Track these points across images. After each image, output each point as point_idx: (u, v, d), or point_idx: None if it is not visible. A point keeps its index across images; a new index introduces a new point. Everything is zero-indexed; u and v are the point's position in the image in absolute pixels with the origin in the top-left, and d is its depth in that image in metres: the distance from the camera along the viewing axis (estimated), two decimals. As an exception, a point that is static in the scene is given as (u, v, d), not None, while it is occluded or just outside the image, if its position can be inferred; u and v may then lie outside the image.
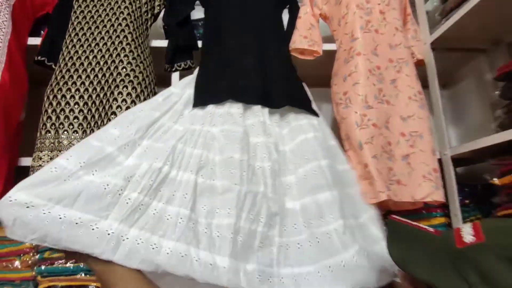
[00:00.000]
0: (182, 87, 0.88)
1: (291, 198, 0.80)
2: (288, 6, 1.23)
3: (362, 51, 1.04)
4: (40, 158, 0.85)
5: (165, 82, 1.10)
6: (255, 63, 0.97)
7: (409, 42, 1.13)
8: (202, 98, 0.87)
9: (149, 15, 1.08)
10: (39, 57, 1.04)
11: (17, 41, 1.02)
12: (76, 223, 0.58)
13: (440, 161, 1.03)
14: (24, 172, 1.00)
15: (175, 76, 1.09)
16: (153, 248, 0.61)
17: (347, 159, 0.95)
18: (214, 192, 0.72)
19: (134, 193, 0.64)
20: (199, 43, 1.11)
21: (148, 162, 0.68)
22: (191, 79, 0.93)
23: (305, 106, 0.97)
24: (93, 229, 0.59)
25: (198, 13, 1.24)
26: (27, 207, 0.56)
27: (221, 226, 0.67)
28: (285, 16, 1.22)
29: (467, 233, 0.48)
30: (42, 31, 1.12)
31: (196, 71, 0.97)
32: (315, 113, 0.98)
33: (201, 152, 0.75)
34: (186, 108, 0.84)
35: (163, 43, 1.12)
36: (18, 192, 0.57)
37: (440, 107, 1.08)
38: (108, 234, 0.59)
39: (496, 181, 0.89)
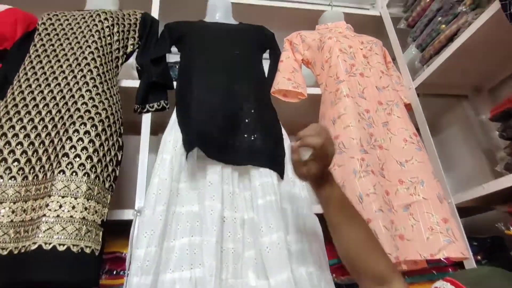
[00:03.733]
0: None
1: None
2: (268, 50, 1.20)
3: (350, 94, 0.99)
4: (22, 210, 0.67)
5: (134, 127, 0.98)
6: (222, 104, 0.90)
7: (395, 86, 1.10)
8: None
9: (121, 53, 0.99)
10: (-15, 93, 0.90)
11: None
12: None
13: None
14: None
15: (145, 118, 0.97)
16: None
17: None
18: None
19: None
20: (174, 84, 1.02)
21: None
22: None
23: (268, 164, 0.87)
24: None
25: (174, 56, 1.19)
26: None
27: None
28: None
29: None
30: (-4, 68, 1.00)
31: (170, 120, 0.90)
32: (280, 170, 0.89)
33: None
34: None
35: (135, 83, 1.02)
36: None
37: (435, 151, 1.01)
38: None
39: (512, 231, 0.78)
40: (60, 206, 0.66)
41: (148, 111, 0.98)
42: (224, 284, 0.72)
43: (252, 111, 0.91)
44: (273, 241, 0.75)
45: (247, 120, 0.89)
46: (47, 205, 0.66)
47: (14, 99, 0.80)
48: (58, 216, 0.65)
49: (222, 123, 0.86)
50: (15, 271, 0.61)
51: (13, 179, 0.70)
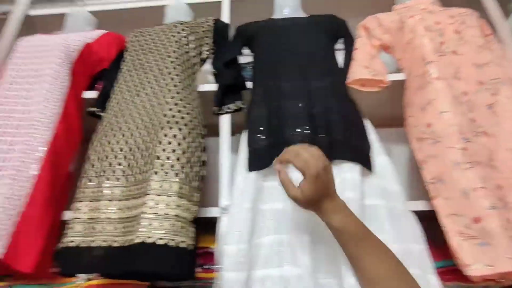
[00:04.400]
0: None
1: None
2: (341, 39, 1.13)
3: (440, 75, 0.87)
4: (79, 209, 0.78)
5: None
6: (306, 107, 0.87)
7: (500, 61, 0.93)
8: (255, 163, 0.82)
9: (198, 60, 1.05)
10: (91, 108, 1.04)
11: (74, 95, 1.04)
12: None
13: None
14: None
15: (224, 120, 1.01)
16: None
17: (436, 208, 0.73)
18: None
19: None
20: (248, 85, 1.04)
21: None
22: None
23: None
24: None
25: (246, 58, 1.21)
26: None
27: None
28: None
29: None
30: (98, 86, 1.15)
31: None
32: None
33: None
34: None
35: (212, 87, 1.07)
36: None
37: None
38: None
39: None
40: (157, 204, 0.73)
41: (226, 113, 1.01)
42: (319, 283, 0.69)
43: (332, 106, 0.87)
44: None
45: (328, 116, 0.86)
46: (144, 203, 0.73)
47: (112, 110, 0.91)
48: (155, 213, 0.72)
49: (304, 123, 0.84)
50: (124, 262, 0.68)
51: (118, 180, 0.79)
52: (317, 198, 0.57)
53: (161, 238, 0.68)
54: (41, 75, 1.00)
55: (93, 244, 0.74)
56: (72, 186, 1.01)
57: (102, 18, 1.30)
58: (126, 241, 0.71)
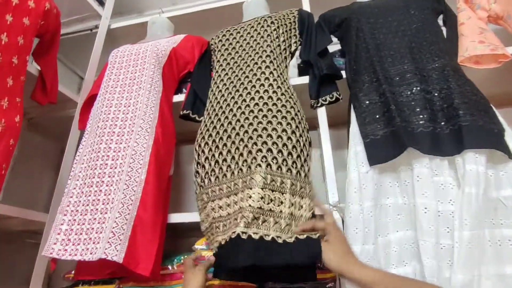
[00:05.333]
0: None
1: None
2: (441, 16, 1.02)
3: None
4: (220, 207, 0.78)
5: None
6: (421, 92, 0.79)
7: None
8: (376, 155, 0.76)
9: (287, 53, 1.01)
10: (184, 111, 1.04)
11: (166, 99, 1.06)
12: None
13: None
14: (172, 229, 0.95)
15: (321, 112, 0.96)
16: None
17: None
18: None
19: None
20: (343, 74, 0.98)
21: None
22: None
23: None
24: None
25: (333, 46, 1.15)
26: None
27: None
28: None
29: None
30: (184, 89, 1.16)
31: (352, 114, 0.85)
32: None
33: None
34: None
35: (302, 80, 1.02)
36: None
37: None
38: None
39: None
40: (271, 200, 0.69)
41: (322, 105, 0.96)
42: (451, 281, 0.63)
43: (450, 89, 0.78)
44: (463, 239, 0.64)
45: (448, 101, 0.77)
46: (250, 197, 0.70)
47: (215, 110, 0.89)
48: (270, 210, 0.69)
49: (423, 112, 0.76)
50: (261, 254, 0.64)
51: (217, 179, 0.77)
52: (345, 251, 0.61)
53: (278, 237, 0.66)
54: (137, 82, 1.03)
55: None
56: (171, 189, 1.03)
57: (178, 22, 1.32)
58: (257, 233, 0.67)
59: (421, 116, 0.76)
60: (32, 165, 1.25)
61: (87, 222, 0.85)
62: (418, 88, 0.80)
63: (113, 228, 0.80)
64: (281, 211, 0.70)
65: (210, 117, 0.91)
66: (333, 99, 0.95)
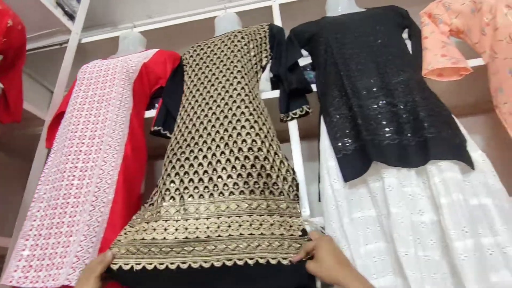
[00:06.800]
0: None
1: None
2: (406, 30, 1.06)
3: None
4: (166, 229, 0.73)
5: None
6: (388, 105, 0.81)
7: None
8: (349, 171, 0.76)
9: (258, 67, 1.02)
10: (155, 127, 1.03)
11: (137, 115, 1.04)
12: None
13: None
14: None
15: (292, 125, 0.96)
16: None
17: None
18: None
19: None
20: (313, 87, 0.99)
21: None
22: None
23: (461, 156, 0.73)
24: None
25: (304, 60, 1.17)
26: None
27: None
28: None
29: None
30: (156, 104, 1.15)
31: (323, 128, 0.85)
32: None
33: None
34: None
35: (273, 94, 1.03)
36: None
37: None
38: None
39: None
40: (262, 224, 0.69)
41: (292, 119, 0.96)
42: None
43: (416, 101, 0.80)
44: (468, 248, 0.62)
45: (414, 114, 0.78)
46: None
47: (186, 126, 0.88)
48: (262, 233, 0.68)
49: (390, 125, 0.77)
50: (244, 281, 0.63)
51: (201, 197, 0.75)
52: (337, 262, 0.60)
53: (262, 258, 0.64)
54: (106, 99, 1.00)
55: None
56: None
57: (150, 36, 1.31)
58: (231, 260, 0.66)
59: (387, 129, 0.77)
60: (7, 187, 1.20)
61: (50, 247, 0.81)
62: (384, 102, 0.81)
63: (78, 252, 0.77)
64: (272, 233, 0.69)
65: (182, 134, 0.89)
66: (303, 112, 0.95)
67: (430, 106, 0.80)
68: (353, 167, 0.74)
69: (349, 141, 0.77)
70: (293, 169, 0.80)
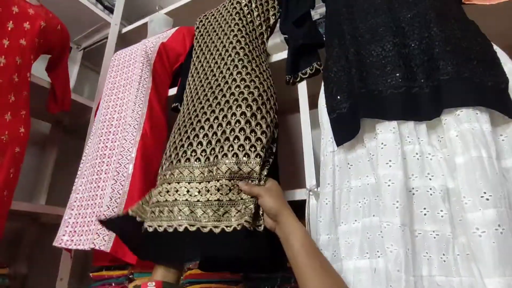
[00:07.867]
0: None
1: None
2: None
3: None
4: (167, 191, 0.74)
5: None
6: (395, 47, 0.63)
7: None
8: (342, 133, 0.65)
9: (264, 27, 0.93)
10: (173, 104, 1.06)
11: (157, 94, 1.08)
12: None
13: None
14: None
15: (301, 87, 0.86)
16: None
17: None
18: None
19: None
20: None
21: None
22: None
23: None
24: None
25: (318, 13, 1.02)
26: None
27: None
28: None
29: None
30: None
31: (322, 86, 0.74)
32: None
33: None
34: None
35: (285, 55, 0.93)
36: None
37: None
38: None
39: None
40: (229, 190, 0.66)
41: (301, 80, 0.86)
42: (427, 283, 0.50)
43: (432, 37, 0.61)
44: (487, 221, 0.46)
45: (428, 52, 0.60)
46: (218, 190, 0.66)
47: (187, 99, 0.87)
48: (230, 199, 0.65)
49: (396, 71, 0.61)
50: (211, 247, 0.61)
51: (198, 160, 0.74)
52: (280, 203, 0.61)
53: (229, 226, 0.61)
54: (129, 82, 1.07)
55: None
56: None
57: (177, 16, 1.33)
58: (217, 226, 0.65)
59: (392, 76, 0.61)
60: (72, 166, 1.43)
61: (88, 216, 0.94)
62: (392, 43, 0.64)
63: (102, 220, 0.87)
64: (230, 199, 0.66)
65: (186, 107, 0.89)
66: (313, 70, 0.84)
67: (450, 39, 0.60)
68: (347, 128, 0.62)
69: (345, 96, 0.65)
70: (275, 139, 0.73)
